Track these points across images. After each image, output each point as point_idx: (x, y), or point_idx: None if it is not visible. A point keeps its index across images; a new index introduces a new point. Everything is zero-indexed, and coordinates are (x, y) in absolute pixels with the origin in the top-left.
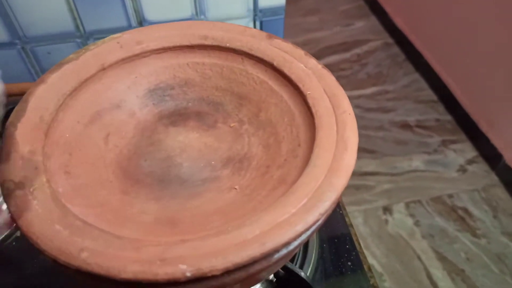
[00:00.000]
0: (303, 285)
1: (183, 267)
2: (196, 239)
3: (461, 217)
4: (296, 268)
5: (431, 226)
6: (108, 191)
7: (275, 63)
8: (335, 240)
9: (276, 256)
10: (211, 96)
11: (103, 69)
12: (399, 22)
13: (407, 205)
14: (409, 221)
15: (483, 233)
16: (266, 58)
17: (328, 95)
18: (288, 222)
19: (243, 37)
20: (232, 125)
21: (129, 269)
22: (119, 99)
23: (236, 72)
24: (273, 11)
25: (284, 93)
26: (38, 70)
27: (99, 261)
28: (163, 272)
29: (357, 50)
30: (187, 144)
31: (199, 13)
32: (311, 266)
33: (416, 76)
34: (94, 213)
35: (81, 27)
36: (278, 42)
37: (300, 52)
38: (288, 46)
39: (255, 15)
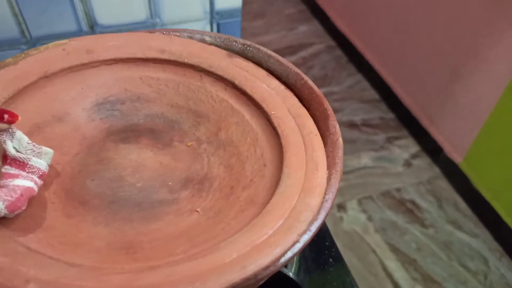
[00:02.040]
0: (291, 286)
1: None
2: (165, 265)
3: (409, 209)
4: (284, 269)
5: (383, 220)
6: (50, 214)
7: (236, 82)
8: (314, 237)
9: (258, 277)
10: (166, 113)
11: (46, 77)
12: (341, 25)
13: (360, 201)
14: (362, 217)
15: (430, 223)
16: (226, 76)
17: (293, 116)
18: (267, 243)
19: (202, 54)
20: (189, 144)
21: None
22: (63, 111)
23: (193, 89)
24: (229, 13)
25: (245, 113)
26: None
27: None
28: None
29: (303, 53)
30: (140, 163)
31: (154, 15)
32: (294, 265)
33: (359, 77)
34: (37, 239)
35: (26, 33)
36: (239, 61)
37: (262, 72)
38: (249, 65)
39: (212, 17)
